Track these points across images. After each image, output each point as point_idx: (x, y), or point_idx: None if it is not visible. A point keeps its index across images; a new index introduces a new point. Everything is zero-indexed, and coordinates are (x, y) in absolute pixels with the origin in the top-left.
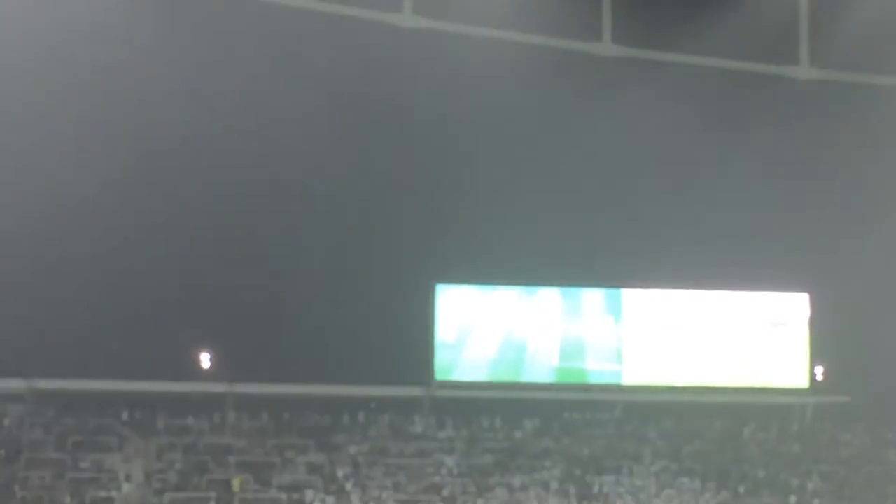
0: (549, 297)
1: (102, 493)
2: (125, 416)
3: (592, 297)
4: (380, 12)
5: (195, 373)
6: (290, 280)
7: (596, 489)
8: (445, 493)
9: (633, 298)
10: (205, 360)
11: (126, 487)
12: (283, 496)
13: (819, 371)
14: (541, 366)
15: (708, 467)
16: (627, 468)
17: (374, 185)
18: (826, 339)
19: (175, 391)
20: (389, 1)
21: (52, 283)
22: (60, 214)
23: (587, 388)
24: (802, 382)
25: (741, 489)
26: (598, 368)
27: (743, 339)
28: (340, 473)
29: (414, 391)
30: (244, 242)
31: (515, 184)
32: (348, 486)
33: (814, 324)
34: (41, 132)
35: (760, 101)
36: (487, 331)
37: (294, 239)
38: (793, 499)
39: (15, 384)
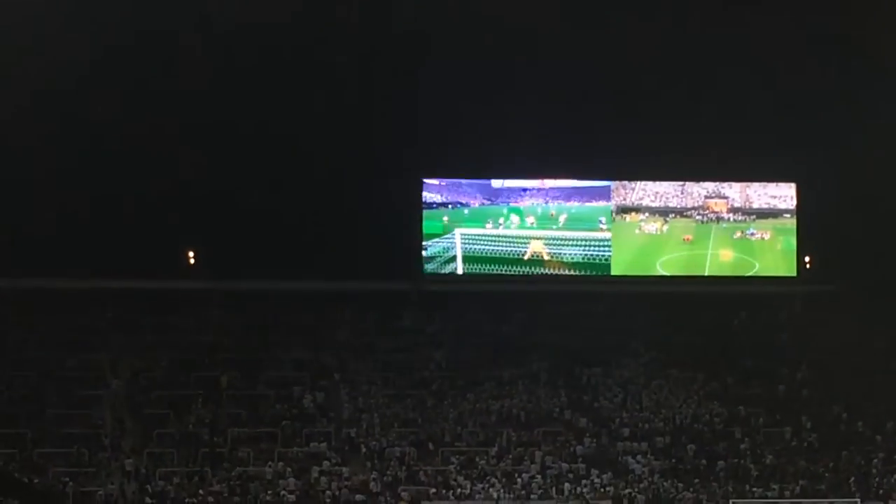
0: (535, 189)
1: (90, 392)
2: (110, 314)
3: (581, 189)
4: None
5: (181, 269)
6: (275, 175)
7: (584, 381)
8: (434, 387)
9: (623, 190)
10: (190, 256)
11: (113, 386)
12: (271, 393)
13: (807, 260)
14: (529, 258)
15: (697, 358)
16: (616, 360)
17: (360, 78)
18: (814, 229)
19: (160, 288)
20: None
21: (35, 180)
22: (42, 109)
23: (575, 279)
24: (791, 271)
25: (730, 379)
26: (587, 260)
27: (731, 227)
28: (328, 369)
29: (402, 285)
30: (229, 139)
31: (506, 77)
32: (336, 381)
33: (801, 213)
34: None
35: None
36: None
37: (279, 135)
38: (781, 388)
39: None
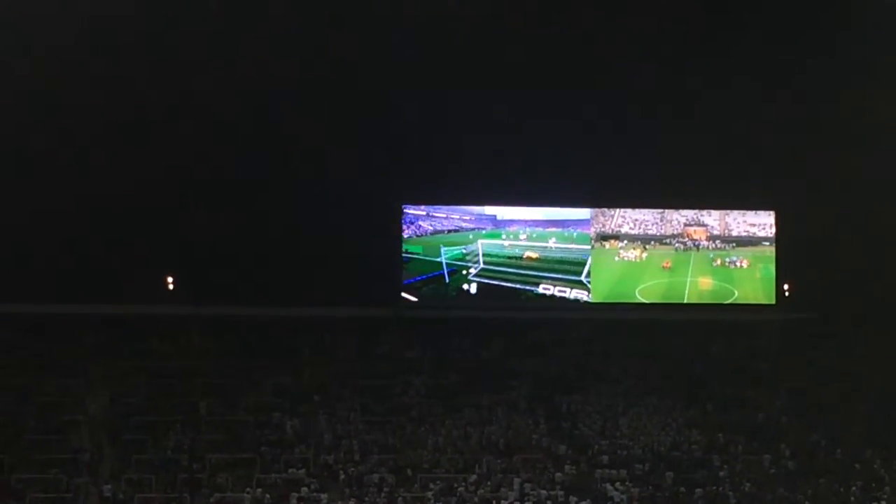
0: (515, 215)
1: (68, 417)
2: (89, 339)
3: (560, 215)
4: None
5: (160, 295)
6: (256, 201)
7: (564, 408)
8: (413, 413)
9: (602, 217)
10: (169, 282)
11: (91, 411)
12: (250, 418)
13: (786, 288)
14: (507, 284)
15: (676, 385)
16: (595, 387)
17: (339, 103)
18: (793, 256)
19: (139, 314)
20: None
21: (14, 206)
22: (21, 135)
23: (554, 306)
24: (770, 299)
25: (709, 407)
26: (565, 287)
27: (712, 255)
28: (307, 395)
29: (380, 311)
30: (209, 163)
31: (483, 103)
32: (315, 407)
33: (781, 240)
34: None
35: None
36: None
37: (259, 159)
38: (760, 416)
39: None
